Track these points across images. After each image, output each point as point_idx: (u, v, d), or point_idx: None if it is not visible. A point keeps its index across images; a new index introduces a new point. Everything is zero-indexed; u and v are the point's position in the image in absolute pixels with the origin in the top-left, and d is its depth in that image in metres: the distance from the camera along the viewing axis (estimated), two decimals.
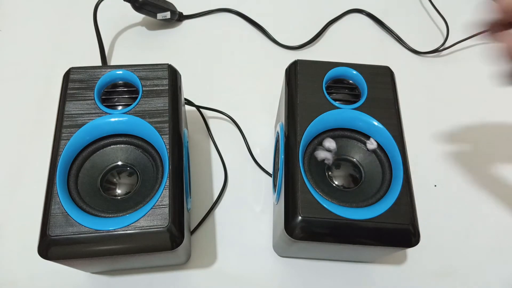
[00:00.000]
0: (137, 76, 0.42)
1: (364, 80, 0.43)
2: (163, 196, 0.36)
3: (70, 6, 0.67)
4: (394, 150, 0.39)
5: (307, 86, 0.42)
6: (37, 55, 0.62)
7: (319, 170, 0.41)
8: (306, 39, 0.65)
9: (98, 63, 0.60)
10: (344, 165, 0.42)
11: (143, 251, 0.36)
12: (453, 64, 0.65)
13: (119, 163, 0.41)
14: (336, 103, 0.42)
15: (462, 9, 0.71)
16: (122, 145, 0.41)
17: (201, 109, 0.57)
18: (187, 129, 0.51)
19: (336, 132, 0.42)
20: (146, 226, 0.35)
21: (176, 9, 0.65)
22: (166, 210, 0.36)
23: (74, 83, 0.41)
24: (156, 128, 0.40)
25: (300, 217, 0.36)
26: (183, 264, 0.47)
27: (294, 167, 0.38)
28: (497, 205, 0.54)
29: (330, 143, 0.41)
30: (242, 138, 0.56)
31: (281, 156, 0.41)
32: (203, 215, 0.50)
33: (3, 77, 0.60)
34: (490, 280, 0.49)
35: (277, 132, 0.47)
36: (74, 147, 0.39)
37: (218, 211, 0.51)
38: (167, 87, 0.42)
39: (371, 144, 0.41)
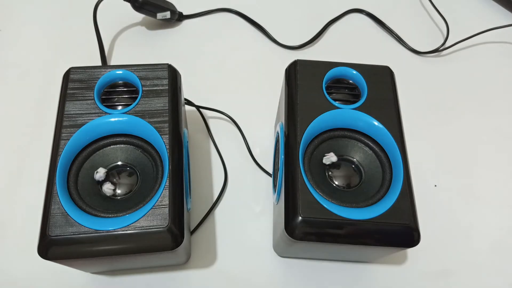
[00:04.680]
0: (137, 76, 0.42)
1: (364, 80, 0.43)
2: (163, 196, 0.36)
3: (70, 6, 0.67)
4: (394, 150, 0.39)
5: (307, 86, 0.42)
6: (37, 55, 0.62)
7: (319, 170, 0.41)
8: (306, 39, 0.65)
9: (98, 63, 0.60)
10: (344, 165, 0.42)
11: (143, 251, 0.36)
12: (453, 64, 0.65)
13: (119, 163, 0.41)
14: (336, 103, 0.42)
15: (462, 9, 0.71)
16: (122, 145, 0.41)
17: (201, 109, 0.57)
18: (187, 129, 0.51)
19: (336, 132, 0.42)
20: (146, 226, 0.35)
21: (176, 9, 0.65)
22: (166, 210, 0.36)
23: (74, 83, 0.41)
24: (156, 128, 0.39)
25: (300, 217, 0.36)
26: (183, 264, 0.47)
27: (294, 167, 0.38)
28: (497, 205, 0.54)
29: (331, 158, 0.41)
30: (242, 138, 0.56)
31: (281, 156, 0.41)
32: (203, 215, 0.50)
33: (3, 77, 0.60)
34: (490, 281, 0.49)
35: (277, 132, 0.47)
36: (74, 147, 0.39)
37: (218, 211, 0.51)
38: (167, 87, 0.42)
39: (330, 158, 0.41)
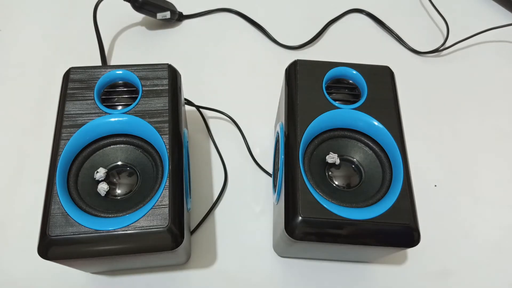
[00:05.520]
0: (137, 76, 0.42)
1: (364, 80, 0.43)
2: (163, 196, 0.36)
3: (70, 6, 0.67)
4: (394, 150, 0.39)
5: (307, 86, 0.42)
6: (37, 55, 0.62)
7: (319, 170, 0.41)
8: (306, 39, 0.65)
9: (98, 63, 0.60)
10: (344, 165, 0.42)
11: (143, 251, 0.36)
12: (453, 64, 0.65)
13: (119, 163, 0.41)
14: (336, 103, 0.42)
15: (462, 9, 0.71)
16: (122, 145, 0.41)
17: (201, 109, 0.57)
18: (187, 129, 0.51)
19: (336, 132, 0.42)
20: (146, 226, 0.35)
21: (176, 9, 0.65)
22: (166, 210, 0.36)
23: (74, 83, 0.41)
24: (156, 128, 0.39)
25: (300, 217, 0.36)
26: (183, 264, 0.47)
27: (294, 167, 0.38)
28: (497, 205, 0.54)
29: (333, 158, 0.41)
30: (242, 138, 0.56)
31: (281, 156, 0.41)
32: (203, 215, 0.50)
33: (3, 77, 0.60)
34: (490, 281, 0.49)
35: (277, 132, 0.47)
36: (74, 147, 0.39)
37: (218, 211, 0.51)
38: (167, 87, 0.42)
39: (332, 158, 0.41)
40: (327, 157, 0.41)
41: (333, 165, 0.42)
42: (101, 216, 0.36)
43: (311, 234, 0.37)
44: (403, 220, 0.36)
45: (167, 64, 0.43)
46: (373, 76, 0.43)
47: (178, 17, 0.66)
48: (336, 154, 0.41)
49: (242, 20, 0.68)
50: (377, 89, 0.42)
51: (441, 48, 0.66)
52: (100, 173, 0.39)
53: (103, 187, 0.38)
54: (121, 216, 0.36)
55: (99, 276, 0.46)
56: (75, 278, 0.46)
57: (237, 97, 0.60)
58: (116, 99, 0.42)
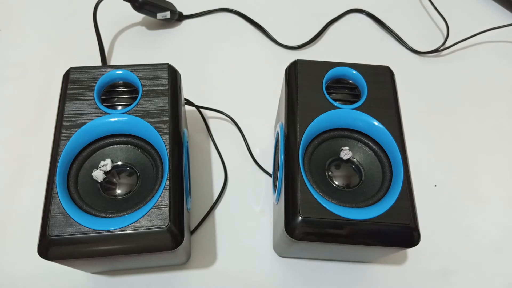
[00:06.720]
0: (137, 76, 0.42)
1: (364, 80, 0.43)
2: (163, 196, 0.36)
3: (70, 6, 0.67)
4: (394, 150, 0.39)
5: (307, 86, 0.42)
6: (37, 55, 0.62)
7: (319, 170, 0.41)
8: (306, 39, 0.65)
9: (98, 63, 0.60)
10: (344, 165, 0.42)
11: (143, 251, 0.36)
12: (453, 64, 0.65)
13: (119, 163, 0.41)
14: (336, 103, 0.42)
15: (462, 9, 0.71)
16: (122, 145, 0.41)
17: (201, 109, 0.57)
18: (187, 129, 0.51)
19: (336, 132, 0.42)
20: (146, 226, 0.35)
21: (176, 9, 0.65)
22: (166, 210, 0.36)
23: (74, 83, 0.41)
24: (156, 128, 0.39)
25: (300, 217, 0.36)
26: (183, 264, 0.47)
27: (294, 167, 0.38)
28: (497, 205, 0.54)
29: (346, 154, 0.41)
30: (242, 138, 0.56)
31: (281, 156, 0.41)
32: (203, 215, 0.50)
33: (3, 77, 0.60)
34: (490, 281, 0.49)
35: (277, 132, 0.47)
36: (74, 147, 0.39)
37: (218, 211, 0.51)
38: (167, 87, 0.42)
39: (346, 154, 0.41)
40: (341, 153, 0.41)
41: (333, 165, 0.42)
42: (101, 216, 0.36)
43: (311, 234, 0.37)
44: (403, 220, 0.36)
45: (167, 64, 0.43)
46: (373, 76, 0.43)
47: (178, 17, 0.66)
48: (348, 147, 0.41)
49: (242, 20, 0.68)
50: (377, 89, 0.42)
51: (441, 48, 0.66)
52: (107, 164, 0.39)
53: (99, 174, 0.39)
54: (121, 216, 0.36)
55: (99, 276, 0.46)
56: (75, 278, 0.46)
57: (237, 97, 0.60)
58: (116, 99, 0.42)
